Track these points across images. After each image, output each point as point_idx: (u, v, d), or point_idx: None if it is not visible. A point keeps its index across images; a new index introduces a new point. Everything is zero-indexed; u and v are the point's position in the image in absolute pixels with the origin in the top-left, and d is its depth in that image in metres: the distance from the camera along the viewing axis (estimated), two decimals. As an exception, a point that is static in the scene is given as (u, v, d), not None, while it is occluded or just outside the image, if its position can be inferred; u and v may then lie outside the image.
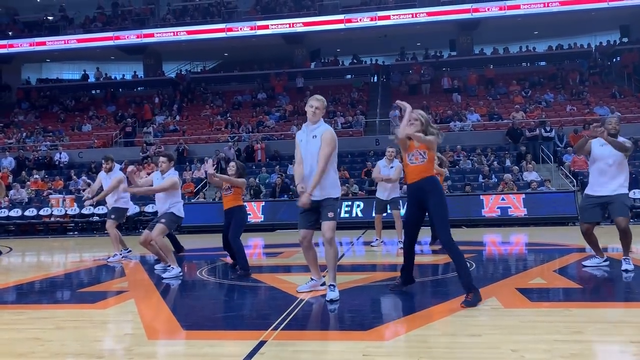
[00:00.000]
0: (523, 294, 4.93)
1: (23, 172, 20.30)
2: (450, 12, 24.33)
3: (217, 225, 13.22)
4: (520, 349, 3.26)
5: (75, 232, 16.99)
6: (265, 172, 18.58)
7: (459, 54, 26.61)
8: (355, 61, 27.62)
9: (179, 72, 29.64)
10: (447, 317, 4.14)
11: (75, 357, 3.36)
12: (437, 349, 3.38)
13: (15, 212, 17.18)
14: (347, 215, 15.28)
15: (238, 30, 25.41)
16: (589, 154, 6.09)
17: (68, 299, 5.77)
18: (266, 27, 25.26)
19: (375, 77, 27.06)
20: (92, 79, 28.98)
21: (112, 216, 8.79)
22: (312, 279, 5.23)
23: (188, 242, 10.50)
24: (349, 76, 27.49)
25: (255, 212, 15.75)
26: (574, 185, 15.89)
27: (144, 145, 21.23)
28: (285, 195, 16.61)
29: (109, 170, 8.83)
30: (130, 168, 7.10)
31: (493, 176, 16.77)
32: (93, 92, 28.77)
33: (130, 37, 26.19)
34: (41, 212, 17.17)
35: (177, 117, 24.42)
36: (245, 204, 7.43)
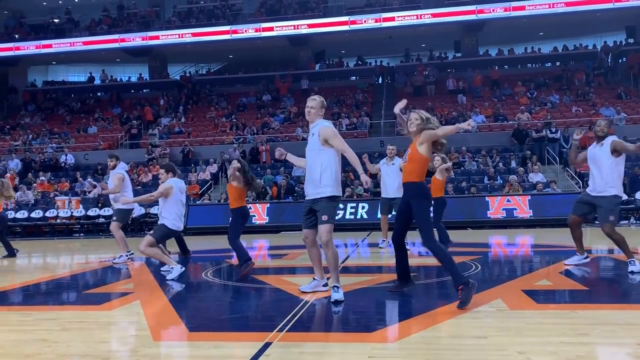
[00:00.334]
0: (529, 295, 4.91)
1: (29, 174, 20.41)
2: (455, 13, 24.31)
3: (222, 227, 13.27)
4: (527, 351, 3.24)
5: (81, 234, 17.05)
6: (270, 174, 18.60)
7: (463, 55, 26.57)
8: (359, 63, 27.63)
9: (184, 74, 29.72)
10: (452, 319, 4.13)
11: (81, 359, 3.37)
12: (442, 351, 3.37)
13: (22, 214, 17.27)
14: (351, 217, 15.27)
15: (243, 32, 25.48)
16: (586, 160, 6.26)
17: (74, 300, 5.78)
18: (271, 29, 25.32)
19: (380, 79, 27.06)
20: (97, 81, 29.12)
21: (115, 218, 8.83)
22: (314, 279, 5.23)
23: (193, 243, 10.51)
24: (354, 78, 27.50)
25: (260, 213, 15.77)
26: (579, 187, 15.82)
27: (150, 147, 21.30)
28: (290, 197, 16.62)
29: (113, 167, 8.88)
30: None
31: (498, 177, 16.73)
32: (99, 94, 28.91)
33: (135, 40, 26.32)
34: (47, 214, 17.26)
35: (183, 119, 24.49)
36: (248, 205, 7.49)
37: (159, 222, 6.85)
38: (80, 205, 17.40)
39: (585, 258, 6.53)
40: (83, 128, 24.84)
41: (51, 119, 26.59)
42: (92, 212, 17.12)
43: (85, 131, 24.59)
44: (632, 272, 5.85)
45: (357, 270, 7.11)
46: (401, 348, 3.49)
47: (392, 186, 9.04)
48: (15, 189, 18.28)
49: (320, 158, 4.85)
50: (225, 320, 4.56)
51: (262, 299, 5.51)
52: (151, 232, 6.74)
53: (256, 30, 25.38)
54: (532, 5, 23.57)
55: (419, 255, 8.68)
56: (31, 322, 4.47)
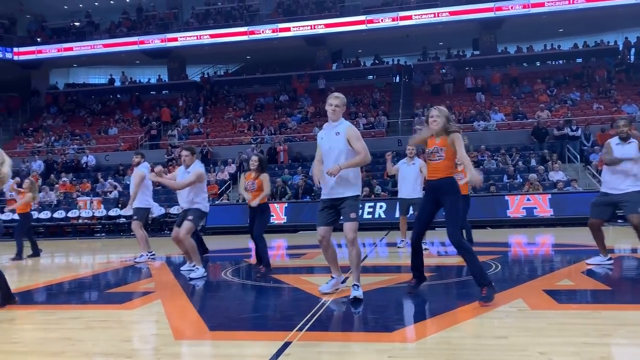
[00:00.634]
0: (550, 295, 4.85)
1: (52, 175, 20.77)
2: (472, 11, 24.11)
3: (241, 226, 13.35)
4: (548, 352, 3.21)
5: (103, 234, 17.30)
6: (287, 174, 18.66)
7: (482, 53, 26.34)
8: (377, 62, 27.56)
9: (203, 75, 29.96)
10: (473, 319, 4.11)
11: (104, 357, 3.43)
12: (462, 351, 3.36)
13: (45, 215, 17.58)
14: (369, 216, 15.24)
15: (260, 33, 25.63)
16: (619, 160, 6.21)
17: (97, 299, 5.88)
18: (288, 29, 25.41)
19: (398, 78, 26.95)
20: (117, 83, 29.51)
21: (135, 217, 8.93)
22: (332, 277, 5.22)
23: (212, 243, 10.59)
24: (371, 77, 27.43)
25: (278, 213, 15.82)
26: (601, 185, 15.57)
27: (169, 147, 21.52)
28: (308, 197, 16.66)
29: (137, 164, 8.95)
30: (157, 168, 7.15)
31: (518, 176, 16.54)
32: (119, 96, 29.29)
33: (154, 42, 26.65)
34: (69, 214, 17.55)
35: (201, 120, 24.69)
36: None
37: (193, 208, 6.77)
38: (102, 206, 17.66)
39: (608, 260, 6.44)
40: (104, 129, 25.20)
41: (72, 120, 27.02)
42: (113, 213, 17.36)
43: (106, 132, 24.94)
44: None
45: (376, 270, 7.10)
46: (421, 348, 3.48)
47: (411, 187, 8.93)
48: (39, 190, 18.62)
49: (346, 157, 4.83)
50: (245, 319, 4.59)
51: (281, 298, 5.54)
52: (190, 217, 6.70)
53: (273, 31, 25.49)
54: (552, 2, 23.27)
55: (437, 254, 8.64)
56: (55, 320, 4.55)
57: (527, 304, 4.54)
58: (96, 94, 29.22)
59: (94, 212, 17.51)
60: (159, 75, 29.57)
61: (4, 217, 14.95)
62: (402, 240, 9.44)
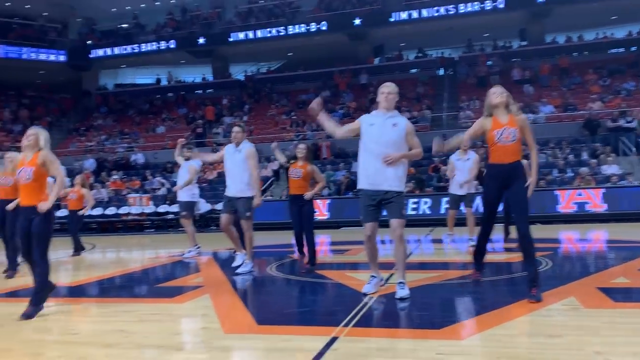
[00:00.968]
0: (605, 293, 4.68)
1: (103, 173, 21.51)
2: (520, -1, 23.43)
3: (284, 222, 13.46)
4: (605, 352, 3.10)
5: (152, 230, 17.80)
6: (330, 170, 18.67)
7: (529, 44, 25.54)
8: (420, 55, 27.18)
9: (246, 73, 30.33)
10: (523, 317, 4.01)
11: (156, 349, 3.53)
12: (514, 349, 3.28)
13: (97, 211, 18.23)
14: (414, 212, 15.08)
15: (302, 30, 25.71)
16: None
17: (148, 293, 6.06)
18: (329, 25, 25.41)
19: (442, 71, 26.50)
20: (164, 83, 30.25)
21: (184, 213, 9.11)
22: (373, 277, 5.04)
23: (255, 239, 10.72)
24: (414, 70, 27.07)
25: (320, 209, 15.87)
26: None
27: (214, 145, 21.92)
28: (351, 193, 16.62)
29: (188, 158, 9.06)
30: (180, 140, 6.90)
31: (569, 170, 16.00)
32: (165, 95, 30.02)
33: (198, 41, 27.21)
34: (120, 211, 18.15)
35: (245, 118, 25.02)
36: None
37: (243, 196, 6.57)
38: (150, 202, 18.17)
39: None
40: (151, 128, 25.90)
41: (122, 120, 27.88)
42: (161, 209, 17.84)
43: (154, 131, 25.62)
44: None
45: (421, 267, 7.02)
46: (471, 345, 3.42)
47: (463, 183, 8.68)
48: (91, 188, 19.35)
49: (399, 150, 4.74)
50: (291, 314, 4.63)
51: (326, 293, 5.56)
52: (247, 214, 6.57)
53: (315, 27, 25.55)
54: (604, -12, 22.33)
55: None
56: (110, 313, 4.72)
57: (581, 302, 4.40)
58: (144, 93, 30.04)
59: (143, 209, 18.04)
60: (204, 75, 30.13)
61: (58, 213, 15.56)
62: (450, 235, 9.23)
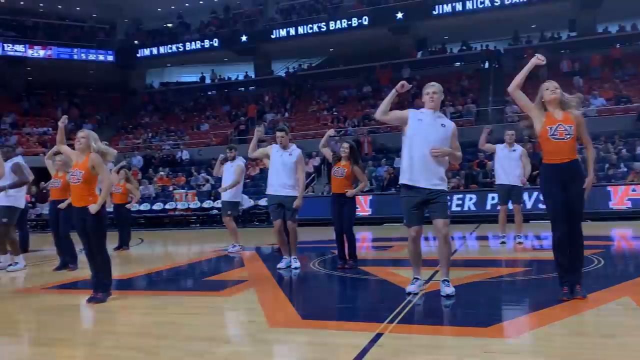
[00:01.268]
0: (662, 293, 4.49)
1: (150, 169, 22.12)
2: (568, -11, 22.63)
3: (325, 219, 13.49)
4: (663, 354, 2.98)
5: (197, 225, 18.20)
6: (372, 166, 18.59)
7: (579, 35, 24.63)
8: (464, 48, 26.66)
9: (287, 70, 30.53)
10: (575, 316, 3.90)
11: (205, 341, 3.61)
12: (564, 349, 3.19)
13: (145, 207, 18.78)
14: (458, 208, 14.84)
15: (343, 25, 25.66)
16: None
17: (195, 286, 6.21)
18: (371, 19, 25.23)
19: (487, 64, 25.90)
20: (208, 81, 30.80)
21: (229, 212, 9.24)
22: (417, 278, 4.90)
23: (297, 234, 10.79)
24: (458, 64, 26.58)
25: (362, 205, 15.82)
26: None
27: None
28: (393, 189, 16.50)
29: (233, 158, 9.19)
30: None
31: (622, 165, 15.38)
32: (209, 93, 30.56)
33: (241, 39, 27.58)
34: (167, 206, 18.63)
35: (286, 114, 25.19)
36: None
37: (289, 195, 6.58)
38: (196, 198, 18.57)
39: None
40: (196, 125, 26.44)
41: (167, 117, 28.58)
42: (206, 204, 18.21)
43: (198, 128, 26.15)
44: None
45: (466, 264, 6.90)
46: (519, 344, 3.35)
47: (512, 173, 8.33)
48: (139, 184, 19.95)
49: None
50: (336, 309, 4.65)
51: (370, 290, 5.56)
52: (294, 217, 6.64)
53: (356, 22, 25.44)
54: (662, -27, 21.27)
55: (532, 248, 8.26)
56: (160, 306, 4.86)
57: (635, 301, 4.23)
58: (188, 91, 30.68)
59: (189, 204, 18.45)
60: (246, 72, 30.50)
61: (108, 209, 16.09)
62: (503, 236, 8.63)
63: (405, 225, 4.79)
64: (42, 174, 10.32)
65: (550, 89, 4.48)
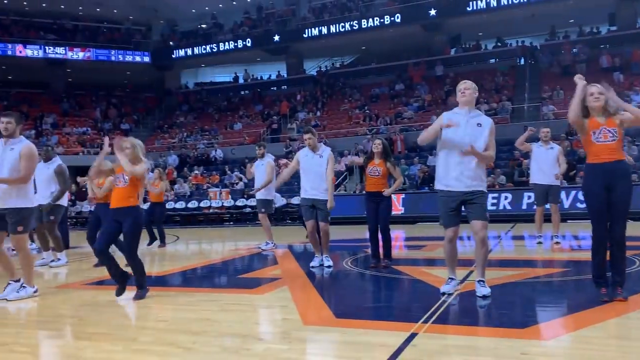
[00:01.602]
0: None
1: (185, 168, 22.51)
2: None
3: (357, 217, 13.48)
4: None
5: (231, 222, 18.43)
6: (404, 164, 18.45)
7: (619, 29, 23.89)
8: (499, 44, 26.19)
9: (319, 69, 30.59)
10: (614, 319, 3.79)
11: (240, 338, 3.66)
12: (605, 352, 3.11)
13: (180, 205, 19.13)
14: (494, 207, 14.59)
15: (375, 23, 25.53)
16: None
17: (230, 284, 6.30)
18: (403, 17, 25.03)
19: (522, 60, 25.37)
20: (241, 81, 31.14)
21: (263, 210, 9.33)
22: (452, 279, 4.85)
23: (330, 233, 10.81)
24: (493, 60, 26.13)
25: (395, 204, 15.72)
26: None
27: (288, 140, 22.29)
28: (427, 188, 16.34)
29: (262, 156, 9.26)
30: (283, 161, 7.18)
31: (665, 163, 14.85)
32: (242, 92, 30.89)
33: (274, 39, 27.77)
34: (201, 204, 18.93)
35: (318, 113, 25.24)
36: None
37: (325, 198, 6.57)
38: (229, 196, 18.81)
39: None
40: (229, 125, 26.77)
41: (202, 117, 29.01)
42: (240, 203, 18.43)
43: (232, 128, 26.46)
44: None
45: (501, 264, 6.79)
46: (558, 346, 3.28)
47: (549, 172, 8.15)
48: (174, 182, 20.34)
49: (481, 151, 4.56)
50: (369, 308, 4.65)
51: (404, 289, 5.53)
52: (327, 219, 6.64)
53: (388, 20, 25.27)
54: None
55: (570, 249, 8.07)
56: (195, 302, 4.95)
57: (681, 305, 4.09)
58: (222, 91, 31.08)
59: (223, 202, 18.71)
60: (278, 71, 30.68)
61: (144, 207, 16.45)
62: (540, 236, 8.53)
63: (442, 225, 4.75)
64: (80, 174, 10.66)
65: (594, 94, 4.36)
